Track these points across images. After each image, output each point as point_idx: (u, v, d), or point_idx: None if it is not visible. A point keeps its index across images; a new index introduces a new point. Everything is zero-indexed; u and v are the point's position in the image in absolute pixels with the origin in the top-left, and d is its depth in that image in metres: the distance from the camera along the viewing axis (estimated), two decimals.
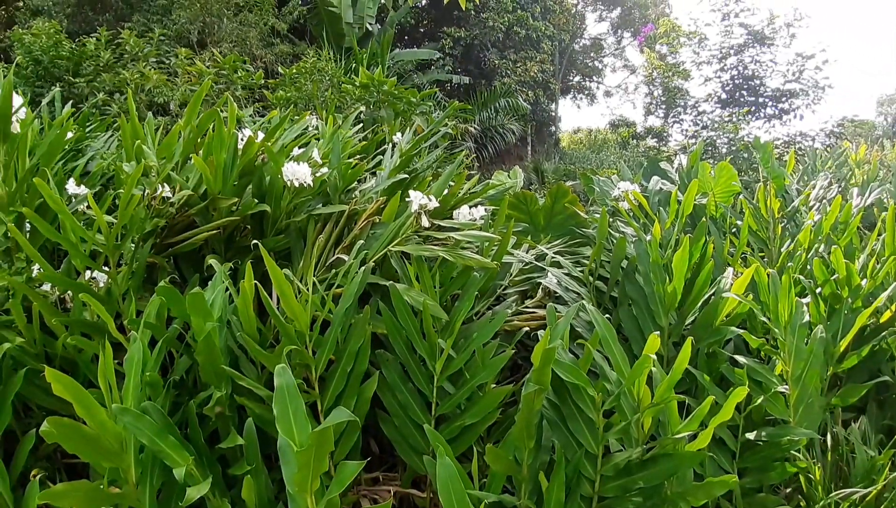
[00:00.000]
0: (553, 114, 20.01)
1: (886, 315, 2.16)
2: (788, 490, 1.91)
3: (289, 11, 11.08)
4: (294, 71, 6.01)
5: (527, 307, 1.99)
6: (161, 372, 1.48)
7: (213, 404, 1.41)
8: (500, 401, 1.57)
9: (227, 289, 1.55)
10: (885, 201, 3.59)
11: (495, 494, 1.40)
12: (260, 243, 1.49)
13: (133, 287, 1.69)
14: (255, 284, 1.46)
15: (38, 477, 1.33)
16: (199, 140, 2.09)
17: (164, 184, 1.89)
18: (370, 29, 12.78)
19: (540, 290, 2.05)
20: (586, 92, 23.45)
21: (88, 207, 1.84)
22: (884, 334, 2.17)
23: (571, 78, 22.66)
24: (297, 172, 1.80)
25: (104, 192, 2.10)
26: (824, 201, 3.56)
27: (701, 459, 1.49)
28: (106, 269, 1.61)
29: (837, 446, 1.94)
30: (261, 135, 2.09)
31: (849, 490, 1.73)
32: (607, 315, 1.99)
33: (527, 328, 1.81)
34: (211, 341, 1.36)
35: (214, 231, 1.84)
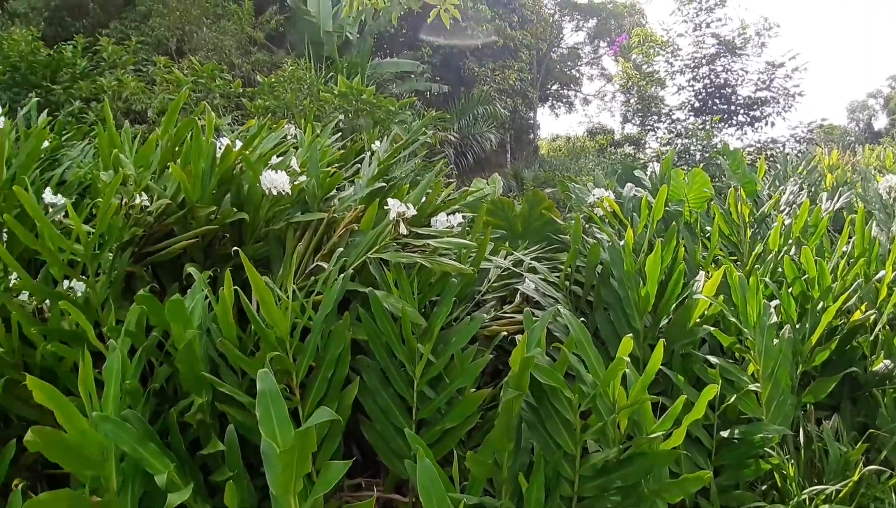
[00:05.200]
0: (532, 121, 20.22)
1: (857, 315, 2.23)
2: (764, 487, 1.95)
3: (266, 20, 11.06)
4: (273, 80, 6.01)
5: (505, 313, 2.02)
6: (141, 381, 1.48)
7: (195, 411, 1.41)
8: (480, 405, 1.59)
9: (206, 297, 1.55)
10: (855, 204, 3.69)
11: (476, 496, 1.43)
12: (240, 251, 1.50)
13: (112, 296, 1.68)
14: (236, 290, 1.46)
15: (20, 487, 1.32)
16: (176, 149, 2.09)
17: (142, 193, 1.89)
18: (350, 38, 12.80)
19: (518, 295, 2.08)
20: (564, 100, 23.74)
21: (65, 216, 1.83)
22: (853, 332, 2.24)
23: (550, 86, 22.92)
24: (275, 181, 1.82)
25: (81, 201, 2.09)
26: (794, 205, 3.66)
27: (675, 457, 1.53)
28: (84, 278, 1.60)
29: (811, 443, 2.00)
30: (239, 144, 2.10)
31: (822, 487, 1.79)
32: (583, 319, 2.03)
33: (504, 333, 1.84)
34: (192, 348, 1.37)
35: (193, 240, 1.84)
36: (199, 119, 2.08)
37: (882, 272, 2.36)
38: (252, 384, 1.53)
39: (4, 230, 1.72)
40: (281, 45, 12.45)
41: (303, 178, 2.01)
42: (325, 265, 1.70)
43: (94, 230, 1.61)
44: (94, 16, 10.89)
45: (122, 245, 1.78)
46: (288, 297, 1.48)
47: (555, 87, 23.34)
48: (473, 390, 1.66)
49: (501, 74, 16.98)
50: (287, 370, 1.44)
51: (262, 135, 2.34)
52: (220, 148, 1.99)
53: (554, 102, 23.81)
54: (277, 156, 2.21)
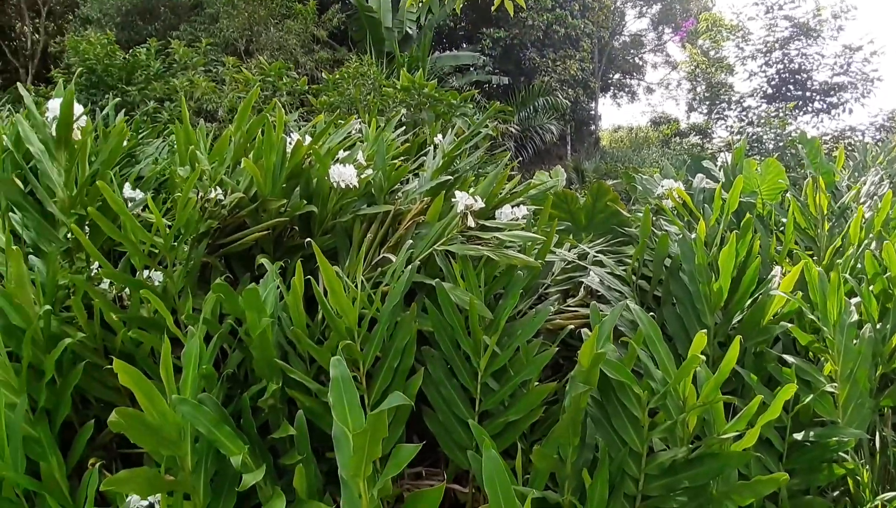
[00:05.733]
0: (593, 112, 19.81)
1: None
2: (836, 493, 1.86)
3: (328, 18, 11.28)
4: (337, 76, 6.13)
5: (569, 306, 1.99)
6: (214, 366, 1.55)
7: (268, 396, 1.47)
8: (544, 398, 1.58)
9: (276, 286, 1.61)
10: None
11: (539, 490, 1.42)
12: (313, 242, 1.55)
13: (188, 285, 1.77)
14: (307, 279, 1.51)
15: (96, 466, 1.40)
16: (248, 145, 2.17)
17: (217, 187, 1.97)
18: (410, 33, 12.90)
19: (582, 289, 2.05)
20: (627, 89, 23.14)
21: (143, 209, 1.94)
22: None
23: (611, 75, 22.38)
24: (343, 174, 1.86)
25: (157, 195, 2.20)
26: (875, 197, 3.44)
27: (747, 459, 1.47)
28: (162, 268, 1.69)
29: (886, 447, 1.90)
30: (308, 139, 2.16)
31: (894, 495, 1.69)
32: (651, 314, 1.98)
33: (571, 327, 1.82)
34: (266, 335, 1.42)
35: (264, 232, 1.91)
36: (270, 116, 2.15)
37: None
38: (319, 372, 1.59)
39: (87, 223, 1.83)
40: (342, 43, 12.68)
41: (369, 171, 2.05)
42: (391, 257, 1.73)
43: (171, 223, 1.70)
44: (164, 19, 11.39)
45: (197, 237, 1.87)
46: (356, 287, 1.52)
47: (617, 76, 22.79)
48: (537, 383, 1.65)
49: (563, 64, 16.70)
50: (354, 358, 1.47)
51: (329, 130, 2.40)
52: (290, 143, 2.05)
53: (616, 91, 23.25)
54: (344, 150, 2.26)
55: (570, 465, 1.43)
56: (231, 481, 1.35)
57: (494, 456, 1.07)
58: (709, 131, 17.33)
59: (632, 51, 22.91)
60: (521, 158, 14.41)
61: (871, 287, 2.13)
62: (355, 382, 1.53)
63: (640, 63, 23.41)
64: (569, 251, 2.19)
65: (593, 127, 20.39)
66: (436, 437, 1.68)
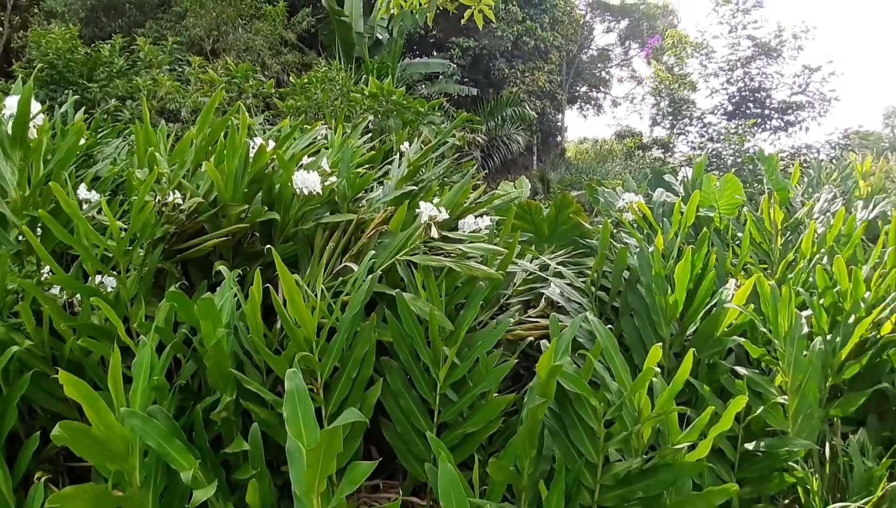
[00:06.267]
0: (559, 123, 20.09)
1: (887, 327, 2.17)
2: (787, 501, 1.91)
3: (298, 21, 11.19)
4: (305, 80, 6.08)
5: (529, 317, 2.01)
6: (166, 377, 1.51)
7: (221, 408, 1.43)
8: (502, 410, 1.59)
9: (234, 295, 1.58)
10: (889, 213, 3.59)
11: (495, 502, 1.42)
12: (273, 249, 1.52)
13: (142, 292, 1.72)
14: (268, 287, 1.49)
15: (42, 480, 1.35)
16: (210, 148, 2.13)
17: (175, 191, 1.93)
18: (380, 39, 12.88)
19: (543, 300, 2.07)
20: (593, 102, 23.53)
21: (98, 212, 1.88)
22: (884, 346, 2.18)
23: (578, 88, 22.74)
24: (306, 181, 1.84)
25: (114, 197, 2.14)
26: (828, 213, 3.57)
27: (700, 469, 1.50)
28: (115, 274, 1.64)
29: (836, 457, 1.95)
30: (272, 144, 2.13)
31: (845, 503, 1.74)
32: (609, 325, 2.01)
33: (531, 338, 1.84)
34: (220, 346, 1.39)
35: (223, 238, 1.88)
36: (234, 119, 2.11)
37: None
38: (276, 383, 1.56)
39: (39, 225, 1.77)
40: (312, 46, 12.59)
41: (333, 178, 2.03)
42: (353, 266, 1.71)
43: (127, 227, 1.65)
44: (130, 16, 11.14)
45: (153, 242, 1.82)
46: (316, 296, 1.50)
47: (584, 88, 23.16)
48: (496, 394, 1.66)
49: (531, 75, 16.91)
50: (312, 369, 1.45)
51: (294, 135, 2.37)
52: (253, 148, 2.02)
53: (582, 103, 23.62)
54: (309, 156, 2.23)
55: (526, 477, 1.43)
56: (181, 497, 1.32)
57: (450, 469, 1.07)
58: (671, 146, 17.75)
59: (599, 64, 23.33)
60: (487, 168, 14.51)
61: (821, 300, 2.20)
62: (312, 393, 1.51)
63: (607, 77, 23.85)
64: (531, 262, 2.21)
65: (559, 138, 20.67)
66: (394, 449, 1.67)
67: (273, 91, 5.81)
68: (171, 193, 1.92)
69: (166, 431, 1.26)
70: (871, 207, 3.59)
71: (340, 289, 1.69)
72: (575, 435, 1.47)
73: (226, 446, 1.46)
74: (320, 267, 1.62)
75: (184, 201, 1.94)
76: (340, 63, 7.16)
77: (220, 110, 5.45)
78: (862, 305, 2.15)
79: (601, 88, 23.70)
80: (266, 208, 1.90)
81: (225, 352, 1.42)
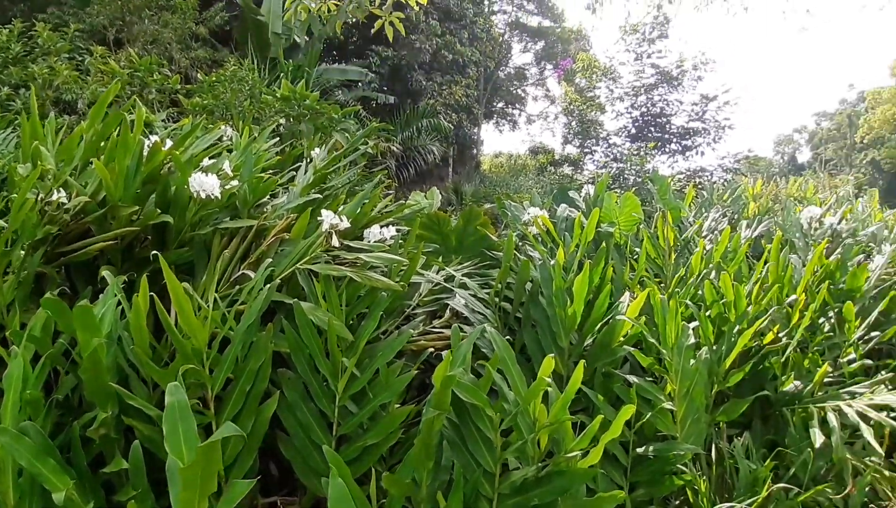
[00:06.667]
0: (476, 137, 20.45)
1: (769, 337, 2.35)
2: (677, 503, 2.01)
3: (211, 16, 10.75)
4: (213, 78, 5.84)
5: (434, 327, 2.02)
6: (45, 390, 1.39)
7: (98, 425, 1.33)
8: (403, 421, 1.57)
9: (120, 303, 1.48)
10: (773, 232, 3.90)
11: None
12: (160, 255, 1.44)
13: (19, 298, 1.59)
14: (152, 296, 1.40)
15: None
16: (102, 144, 2.00)
17: (61, 189, 1.79)
18: (298, 41, 12.61)
19: (448, 311, 2.09)
20: (509, 118, 24.15)
21: None
22: (766, 355, 2.37)
23: (495, 103, 23.27)
24: (204, 184, 1.76)
25: None
26: (716, 231, 3.84)
27: (592, 475, 1.55)
28: None
29: (722, 459, 2.08)
30: (170, 142, 2.02)
31: (731, 504, 1.86)
32: (511, 336, 2.05)
33: (431, 349, 1.84)
34: (97, 357, 1.30)
35: (112, 241, 1.76)
36: (130, 113, 1.99)
37: (793, 297, 2.51)
38: (163, 397, 1.47)
39: None
40: (226, 43, 12.12)
41: (235, 182, 1.95)
42: (251, 274, 1.65)
43: (6, 226, 1.52)
44: (34, 0, 10.31)
45: (34, 243, 1.69)
46: (209, 305, 1.43)
47: (500, 104, 23.73)
48: (398, 405, 1.65)
49: (448, 88, 17.15)
50: (202, 382, 1.38)
51: (195, 134, 2.27)
52: (148, 146, 1.91)
53: (499, 119, 24.20)
54: (210, 158, 2.14)
55: (425, 488, 1.43)
56: None
57: (341, 484, 1.05)
58: (581, 163, 18.57)
59: (515, 82, 24.00)
60: (402, 178, 14.53)
61: (708, 313, 2.36)
62: (202, 407, 1.44)
63: (523, 94, 24.57)
64: (437, 273, 2.22)
65: (475, 151, 21.05)
66: (292, 464, 1.61)
67: (179, 87, 5.53)
68: (55, 191, 1.78)
69: (38, 449, 1.17)
70: (755, 225, 3.89)
71: (238, 298, 1.62)
72: (473, 445, 1.48)
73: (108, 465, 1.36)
74: (215, 274, 1.55)
75: (69, 201, 1.80)
76: (253, 63, 6.92)
77: (120, 105, 5.13)
78: (745, 317, 2.33)
79: (517, 104, 24.38)
80: (159, 211, 1.80)
81: (102, 364, 1.32)
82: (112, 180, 1.79)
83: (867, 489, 2.01)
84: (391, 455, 1.68)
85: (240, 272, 1.68)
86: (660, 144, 17.28)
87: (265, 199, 2.10)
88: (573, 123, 18.73)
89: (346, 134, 4.77)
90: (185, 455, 1.02)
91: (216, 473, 0.95)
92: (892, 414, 2.22)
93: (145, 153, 1.89)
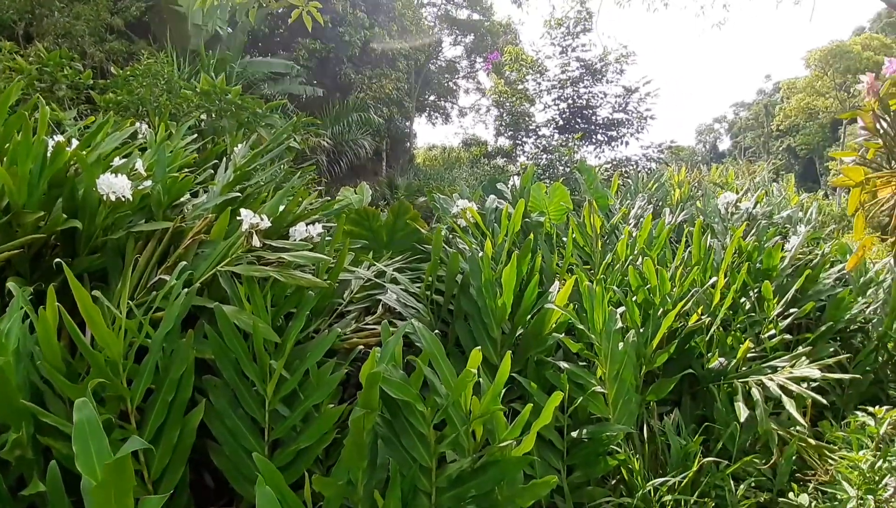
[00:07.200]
0: (408, 130, 20.37)
1: (694, 318, 2.46)
2: (614, 482, 2.08)
3: (126, 6, 10.19)
4: (128, 72, 5.53)
5: (367, 324, 1.99)
6: None
7: (10, 447, 1.24)
8: (336, 421, 1.55)
9: (29, 316, 1.38)
10: (695, 217, 4.08)
11: None
12: (66, 263, 1.35)
13: None
14: (59, 308, 1.32)
15: None
16: (4, 146, 1.86)
17: None
18: (220, 33, 12.14)
19: (380, 307, 2.07)
20: (441, 111, 24.17)
21: None
22: (690, 334, 2.47)
23: (427, 97, 23.23)
24: (113, 185, 1.67)
25: None
26: (641, 218, 3.98)
27: (527, 463, 1.58)
28: None
29: (654, 437, 2.16)
30: (76, 142, 1.90)
31: (665, 479, 1.93)
32: (444, 329, 2.05)
33: (361, 346, 1.82)
34: (4, 376, 1.21)
35: (18, 250, 1.65)
36: (33, 112, 1.86)
37: (714, 279, 2.63)
38: None
39: None
40: (143, 36, 11.53)
41: (148, 183, 1.86)
42: (169, 279, 1.58)
43: None
44: None
45: None
46: (122, 314, 1.36)
47: (432, 97, 23.72)
48: (332, 405, 1.62)
49: (378, 81, 16.98)
50: (120, 395, 1.31)
51: (104, 132, 2.14)
52: (52, 146, 1.79)
53: (431, 112, 24.18)
54: (121, 157, 2.03)
55: (361, 488, 1.42)
56: None
57: (269, 492, 1.02)
58: (513, 155, 18.84)
59: (446, 75, 24.00)
60: (333, 173, 14.30)
61: (634, 298, 2.44)
62: (124, 421, 1.37)
63: (454, 87, 24.61)
64: (368, 269, 2.20)
65: (409, 144, 20.98)
66: (224, 473, 1.56)
67: (91, 82, 5.21)
68: None
69: None
70: (678, 211, 4.05)
71: (155, 304, 1.55)
72: (407, 441, 1.47)
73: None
74: (129, 281, 1.47)
75: None
76: (171, 56, 6.60)
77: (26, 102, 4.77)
78: (669, 299, 2.42)
79: (449, 97, 24.41)
80: (67, 216, 1.69)
81: (11, 383, 1.24)
82: (15, 185, 1.68)
83: (794, 457, 2.13)
84: (328, 457, 1.65)
85: (157, 278, 1.61)
86: (586, 135, 17.75)
87: (183, 199, 2.01)
88: (504, 116, 18.95)
89: (272, 129, 4.64)
90: (99, 472, 0.96)
91: (130, 490, 0.90)
92: (814, 385, 2.37)
93: (49, 155, 1.77)
